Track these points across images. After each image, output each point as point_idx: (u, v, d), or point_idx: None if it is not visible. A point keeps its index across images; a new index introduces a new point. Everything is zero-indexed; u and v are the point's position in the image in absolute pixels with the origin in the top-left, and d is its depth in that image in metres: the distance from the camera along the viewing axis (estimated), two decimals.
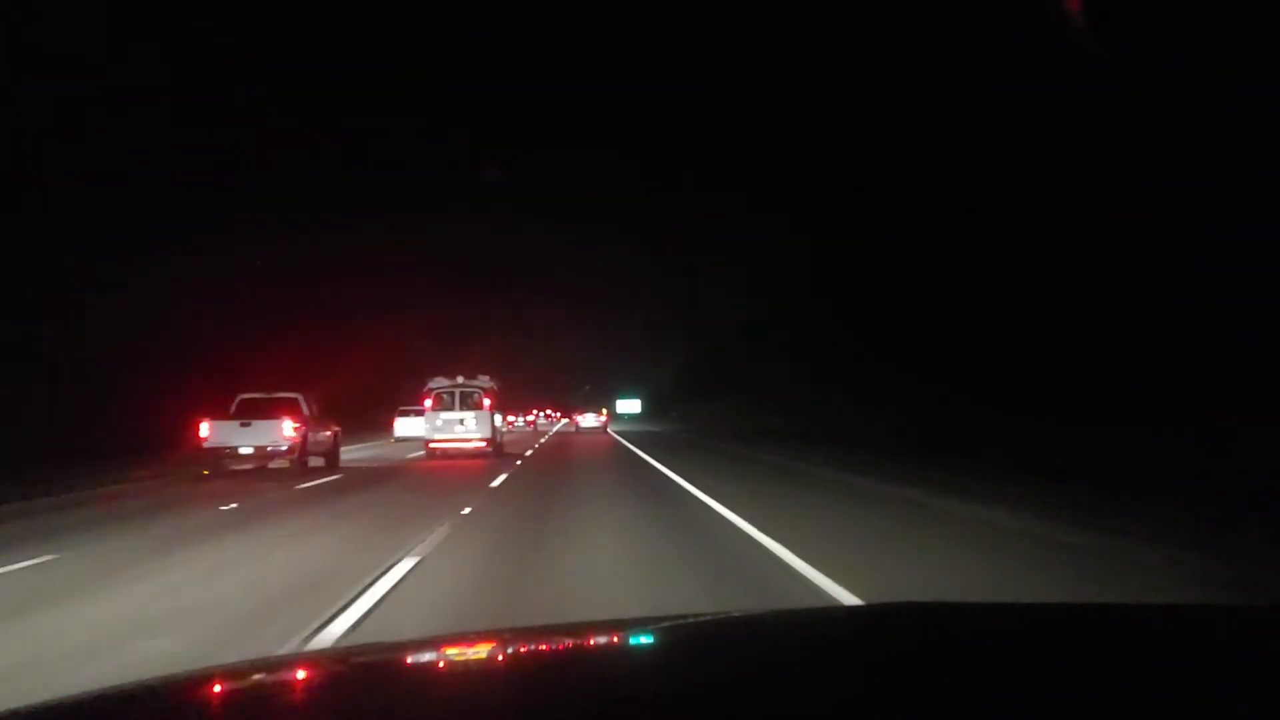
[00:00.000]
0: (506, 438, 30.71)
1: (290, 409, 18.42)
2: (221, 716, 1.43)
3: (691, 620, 2.22)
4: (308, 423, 18.57)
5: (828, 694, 1.33)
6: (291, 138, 41.29)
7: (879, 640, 1.76)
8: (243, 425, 17.78)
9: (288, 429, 17.89)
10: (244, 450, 17.78)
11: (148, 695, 1.44)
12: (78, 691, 1.38)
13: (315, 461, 19.01)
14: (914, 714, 1.24)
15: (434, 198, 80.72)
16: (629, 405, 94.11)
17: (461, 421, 22.42)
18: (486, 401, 22.76)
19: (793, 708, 1.25)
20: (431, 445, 22.38)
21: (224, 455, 17.80)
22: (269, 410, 18.15)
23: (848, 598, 5.33)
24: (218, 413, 18.10)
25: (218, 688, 1.56)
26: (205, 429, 17.70)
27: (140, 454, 19.14)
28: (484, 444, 22.37)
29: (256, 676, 1.68)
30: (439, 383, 23.06)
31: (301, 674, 1.74)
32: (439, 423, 22.43)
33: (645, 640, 1.97)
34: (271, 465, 18.11)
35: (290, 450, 18.05)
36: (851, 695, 1.32)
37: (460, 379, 23.18)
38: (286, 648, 4.32)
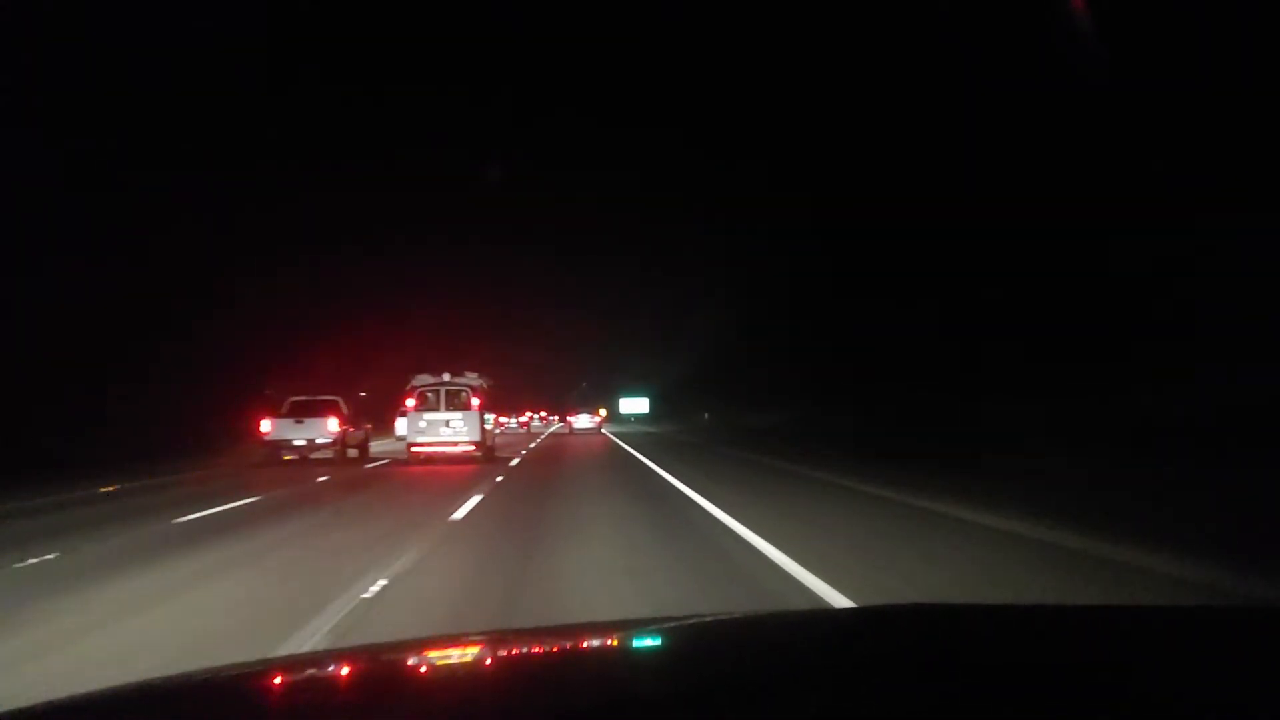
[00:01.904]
0: (498, 440, 29.00)
1: (333, 409, 22.64)
2: (222, 717, 1.43)
3: (691, 621, 2.23)
4: (346, 420, 22.90)
5: (826, 695, 1.33)
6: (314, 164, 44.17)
7: (878, 641, 1.78)
8: (296, 422, 22.12)
9: (332, 425, 22.24)
10: (297, 443, 22.02)
11: (147, 696, 1.49)
12: (78, 693, 1.40)
13: (351, 453, 23.41)
14: (913, 715, 1.25)
15: (435, 200, 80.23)
16: (635, 404, 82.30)
17: (448, 423, 20.63)
18: (475, 401, 20.92)
19: (792, 709, 1.26)
20: (414, 448, 20.61)
21: (280, 446, 22.09)
22: (316, 410, 22.40)
23: None
24: (273, 411, 22.56)
25: (217, 689, 1.56)
26: (266, 425, 22.23)
27: (213, 446, 24.23)
28: (472, 447, 20.60)
29: (258, 677, 1.69)
30: (423, 380, 21.22)
31: (304, 675, 1.74)
32: (422, 424, 20.66)
33: (645, 641, 1.98)
34: (314, 456, 22.10)
35: (333, 443, 22.29)
36: (850, 696, 1.33)
37: (447, 376, 21.32)
38: None
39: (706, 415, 54.21)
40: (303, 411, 22.39)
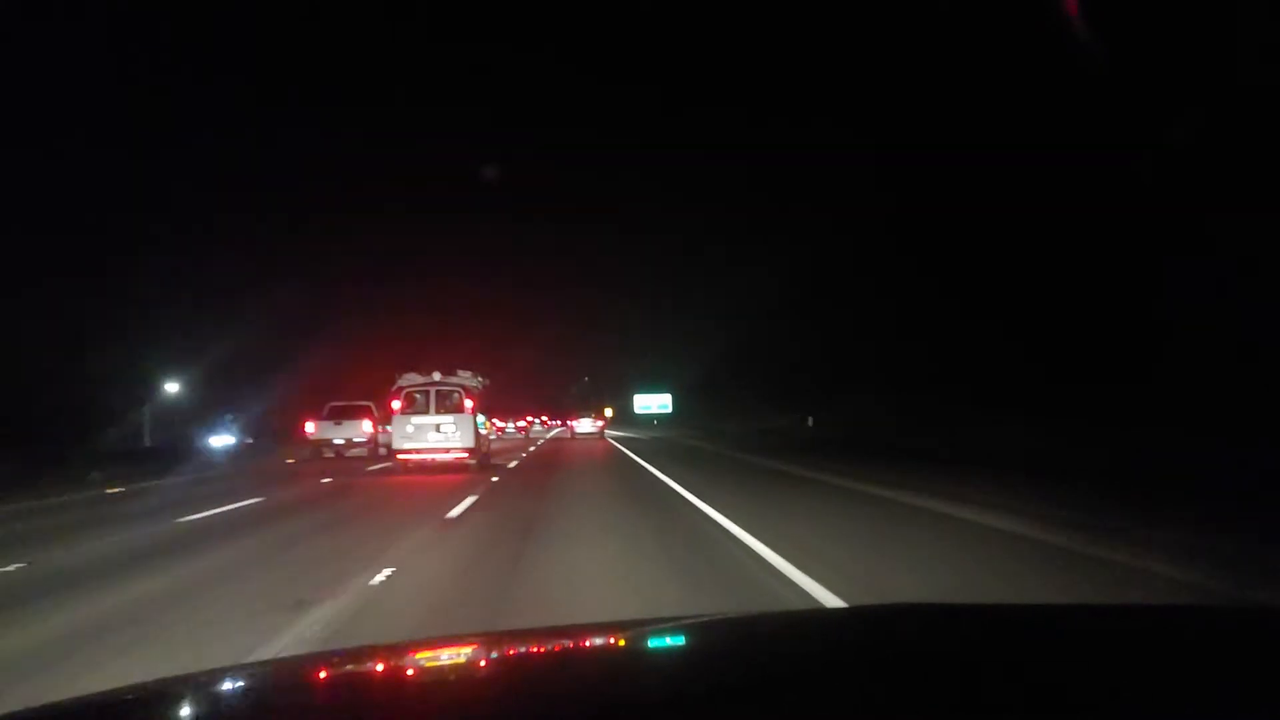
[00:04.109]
0: (495, 445, 27.34)
1: (366, 413, 26.38)
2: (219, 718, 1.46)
3: (688, 622, 2.29)
4: (377, 423, 25.91)
5: (824, 695, 1.35)
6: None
7: (876, 641, 1.81)
8: (335, 424, 26.43)
9: (366, 427, 26.15)
10: (336, 441, 26.26)
11: (144, 698, 1.51)
12: (77, 694, 1.45)
13: (381, 451, 25.44)
14: (911, 715, 1.27)
15: (437, 197, 78.99)
16: (652, 401, 67.55)
17: (438, 427, 18.96)
18: (468, 403, 19.18)
19: (790, 709, 1.27)
20: (400, 455, 18.92)
21: (322, 445, 26.26)
22: (351, 414, 26.54)
23: None
24: (315, 415, 27.07)
25: (214, 691, 1.58)
26: (310, 427, 26.95)
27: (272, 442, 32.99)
28: (465, 454, 18.98)
29: (256, 679, 1.72)
30: (411, 380, 19.59)
31: (306, 676, 1.75)
32: (409, 428, 19.00)
33: (643, 642, 1.98)
34: (349, 454, 25.78)
35: (367, 442, 25.97)
36: (848, 696, 1.35)
37: (437, 375, 19.64)
38: None
39: (810, 420, 35.53)
40: (340, 415, 26.69)
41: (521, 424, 73.94)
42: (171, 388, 36.94)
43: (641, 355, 78.16)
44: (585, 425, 50.82)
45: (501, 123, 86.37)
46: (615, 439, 42.99)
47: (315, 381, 37.43)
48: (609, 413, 65.63)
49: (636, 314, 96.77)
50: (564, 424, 65.92)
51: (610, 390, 77.24)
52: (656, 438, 43.95)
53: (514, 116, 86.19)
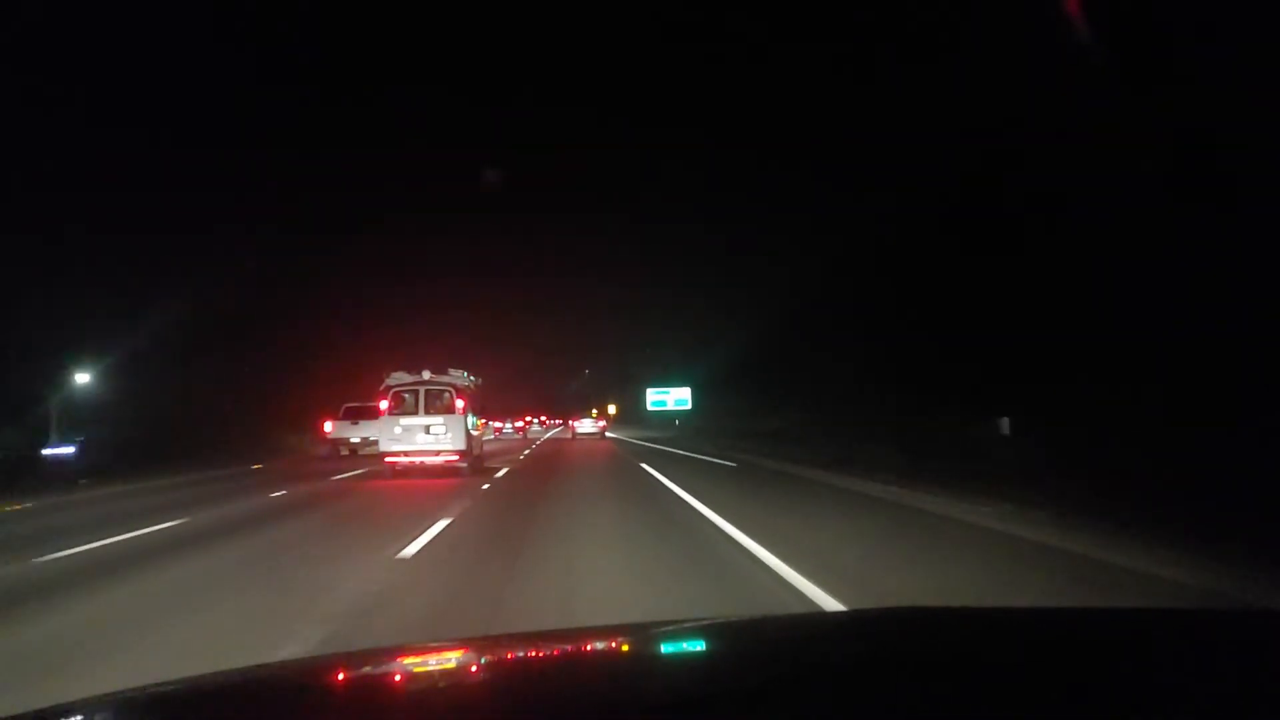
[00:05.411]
0: (489, 447, 26.61)
1: (380, 413, 26.58)
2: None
3: (688, 625, 2.31)
4: None
5: (822, 699, 1.34)
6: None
7: (873, 645, 1.80)
8: (352, 424, 28.71)
9: None
10: (353, 440, 28.59)
11: (145, 700, 1.51)
12: (78, 697, 1.45)
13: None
14: (908, 718, 1.27)
15: (436, 193, 78.08)
16: (667, 396, 54.97)
17: (427, 429, 18.29)
18: (459, 403, 18.45)
19: (788, 712, 1.26)
20: (389, 459, 18.19)
21: (339, 443, 28.80)
22: (367, 414, 26.69)
23: None
24: (332, 415, 29.51)
25: (217, 693, 1.58)
26: (329, 426, 29.50)
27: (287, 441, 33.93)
28: (456, 457, 18.33)
29: (257, 682, 1.71)
30: (399, 379, 18.92)
31: (307, 680, 1.74)
32: (398, 430, 18.32)
33: (645, 645, 1.99)
34: (363, 452, 27.27)
35: None
36: (846, 700, 1.34)
37: (427, 374, 18.91)
38: None
39: (1005, 426, 20.58)
40: (356, 415, 28.61)
41: (519, 424, 73.22)
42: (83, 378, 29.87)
43: (652, 342, 64.21)
44: (587, 425, 51.66)
45: (503, 117, 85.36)
46: (635, 455, 26.98)
47: (303, 381, 36.73)
48: (612, 409, 65.22)
49: (645, 296, 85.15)
50: (563, 424, 65.62)
51: (616, 385, 74.02)
52: (689, 447, 30.91)
53: (515, 111, 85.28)
